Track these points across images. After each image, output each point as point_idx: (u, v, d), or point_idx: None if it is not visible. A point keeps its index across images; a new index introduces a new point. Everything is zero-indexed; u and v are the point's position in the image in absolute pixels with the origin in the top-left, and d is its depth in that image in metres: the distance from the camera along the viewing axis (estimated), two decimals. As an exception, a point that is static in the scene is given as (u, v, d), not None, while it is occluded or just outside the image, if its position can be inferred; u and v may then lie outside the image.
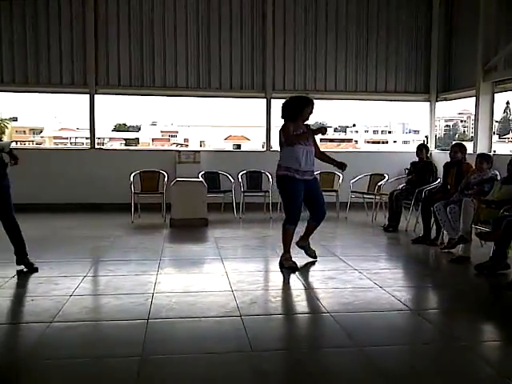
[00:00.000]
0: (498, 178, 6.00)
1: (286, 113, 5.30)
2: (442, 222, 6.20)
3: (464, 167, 6.54)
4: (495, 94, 9.06)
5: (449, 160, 6.80)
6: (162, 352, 3.23)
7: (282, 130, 5.27)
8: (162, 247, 6.33)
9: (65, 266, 5.41)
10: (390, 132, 54.04)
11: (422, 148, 7.74)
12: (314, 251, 5.67)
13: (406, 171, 8.33)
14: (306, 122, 5.36)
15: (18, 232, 5.13)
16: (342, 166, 5.42)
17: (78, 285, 4.64)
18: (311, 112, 5.26)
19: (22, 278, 5.01)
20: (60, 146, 9.02)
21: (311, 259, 5.61)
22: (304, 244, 5.62)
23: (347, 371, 3.04)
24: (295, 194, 5.20)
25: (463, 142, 7.26)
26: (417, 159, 7.80)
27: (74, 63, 9.56)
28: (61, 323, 3.72)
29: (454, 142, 7.08)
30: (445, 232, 6.37)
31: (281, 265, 5.32)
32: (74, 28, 9.51)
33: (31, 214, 5.47)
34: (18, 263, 5.16)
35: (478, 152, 8.49)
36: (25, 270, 5.13)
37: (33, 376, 3.02)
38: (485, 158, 6.17)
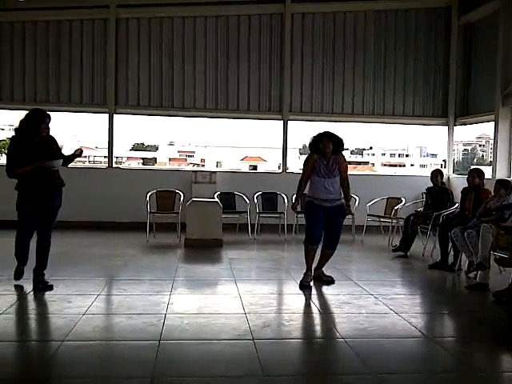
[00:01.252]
0: None
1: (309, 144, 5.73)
2: (460, 247, 6.11)
3: (482, 193, 6.45)
4: (514, 119, 8.99)
5: (466, 185, 6.72)
6: (173, 374, 3.19)
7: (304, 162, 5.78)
8: (176, 267, 6.32)
9: (79, 284, 5.43)
10: (407, 155, 53.75)
11: (437, 174, 7.66)
12: (330, 276, 5.75)
13: (424, 195, 8.23)
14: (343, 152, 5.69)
15: (47, 252, 5.18)
16: (348, 213, 5.79)
17: (91, 303, 4.63)
18: (325, 147, 5.49)
19: (37, 296, 5.02)
20: (78, 165, 9.08)
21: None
22: (317, 275, 5.71)
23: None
24: (311, 214, 5.57)
25: (481, 167, 7.18)
26: (431, 185, 7.72)
27: (95, 83, 9.77)
28: (73, 342, 3.71)
29: (471, 167, 6.99)
30: (463, 257, 6.26)
31: (300, 282, 5.51)
32: (96, 49, 9.73)
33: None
34: (35, 281, 5.15)
35: (496, 177, 8.39)
36: (40, 286, 5.13)
37: (43, 395, 3.00)
38: (503, 184, 6.08)
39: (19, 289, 5.11)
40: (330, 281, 5.67)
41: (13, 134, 5.17)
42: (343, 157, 5.65)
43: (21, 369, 3.37)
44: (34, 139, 4.97)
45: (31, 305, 4.86)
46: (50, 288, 5.10)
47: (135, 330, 3.97)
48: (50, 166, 4.96)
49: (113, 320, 4.38)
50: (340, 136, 5.61)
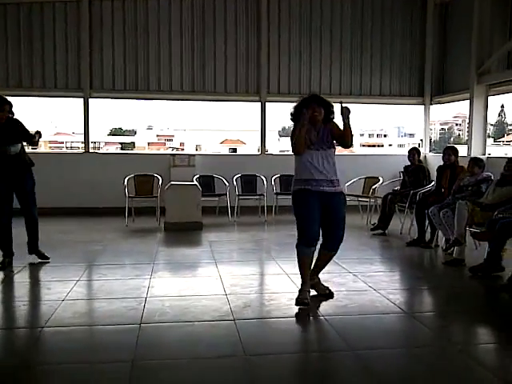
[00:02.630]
0: (492, 178, 6.00)
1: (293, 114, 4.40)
2: (437, 225, 6.21)
3: (458, 170, 6.56)
4: (489, 97, 9.10)
5: (441, 164, 6.82)
6: (154, 357, 3.20)
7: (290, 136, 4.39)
8: (155, 251, 6.30)
9: (58, 270, 5.38)
10: (385, 136, 54.14)
11: (414, 152, 7.73)
12: (328, 288, 4.51)
13: (401, 174, 8.32)
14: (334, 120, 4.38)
15: (36, 227, 5.58)
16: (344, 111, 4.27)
17: (70, 289, 4.60)
18: (316, 113, 4.21)
19: (15, 282, 4.98)
20: (55, 150, 8.90)
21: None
22: (313, 283, 4.44)
23: (342, 375, 3.02)
24: (301, 204, 4.23)
25: (456, 146, 7.27)
26: (409, 163, 7.79)
27: (69, 67, 9.57)
28: (53, 328, 3.68)
29: (445, 147, 7.09)
30: (440, 234, 6.37)
31: (296, 300, 4.24)
32: (69, 33, 9.52)
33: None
34: (30, 252, 5.60)
35: (472, 155, 8.51)
36: (38, 260, 5.59)
37: (25, 380, 2.98)
38: (476, 162, 6.18)
39: (-4, 277, 5.05)
40: (328, 294, 4.43)
41: None
42: (335, 123, 4.34)
43: (1, 356, 3.34)
44: None
45: (10, 292, 4.80)
46: (47, 258, 5.61)
47: (116, 315, 3.96)
48: (7, 151, 5.21)
49: (93, 305, 4.36)
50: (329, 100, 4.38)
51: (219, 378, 2.95)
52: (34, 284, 5.08)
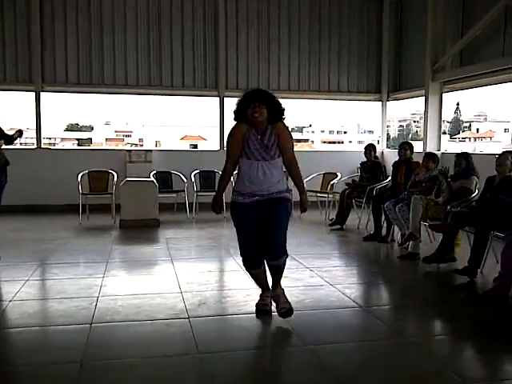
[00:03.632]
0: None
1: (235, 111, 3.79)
2: (392, 219, 6.30)
3: (413, 165, 6.67)
4: (444, 94, 9.28)
5: (397, 160, 6.93)
6: (105, 357, 3.10)
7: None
8: (110, 249, 6.14)
9: (7, 270, 5.17)
10: (345, 132, 54.91)
11: (370, 148, 7.83)
12: (288, 304, 3.81)
13: (358, 170, 8.40)
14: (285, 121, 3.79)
15: None
16: (303, 210, 3.94)
17: (19, 289, 4.42)
18: (256, 113, 3.58)
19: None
20: (6, 146, 8.47)
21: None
22: (273, 294, 3.91)
23: (297, 371, 2.99)
24: (237, 221, 3.76)
25: (413, 142, 7.41)
26: (365, 159, 7.88)
27: (19, 59, 9.20)
28: (0, 329, 3.53)
29: (401, 142, 7.22)
30: (395, 229, 6.46)
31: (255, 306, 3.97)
32: (18, 23, 9.15)
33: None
34: None
35: (427, 151, 8.67)
36: None
37: (-37, 387, 2.84)
38: (431, 157, 6.31)
39: None
40: (285, 312, 3.74)
41: None
42: (284, 125, 3.74)
43: None
44: None
45: (-47, 294, 4.59)
46: None
47: (66, 315, 3.83)
48: None
49: (43, 305, 4.21)
50: (275, 96, 3.73)
51: (171, 377, 2.89)
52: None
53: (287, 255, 3.79)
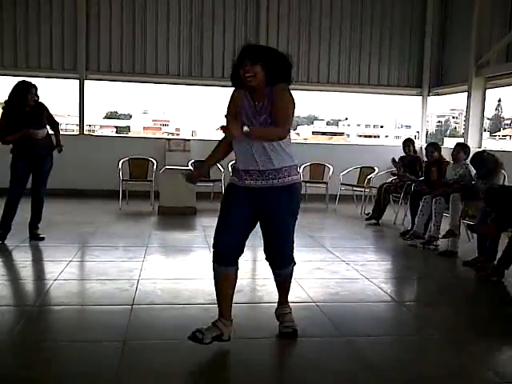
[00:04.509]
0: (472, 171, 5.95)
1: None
2: (420, 213, 6.17)
3: (443, 165, 6.58)
4: (487, 90, 9.08)
5: (430, 160, 6.86)
6: (145, 337, 3.21)
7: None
8: (149, 234, 6.29)
9: (51, 250, 5.38)
10: (382, 126, 54.12)
11: (409, 143, 7.75)
12: (294, 326, 3.34)
13: (394, 163, 8.28)
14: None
15: (40, 208, 5.74)
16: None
17: (63, 269, 4.59)
18: (247, 73, 2.89)
19: (8, 261, 4.97)
20: (51, 132, 8.75)
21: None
22: (280, 312, 3.43)
23: (333, 361, 3.03)
24: (224, 208, 3.13)
25: (451, 138, 7.31)
26: (404, 154, 7.80)
27: (65, 48, 9.46)
28: (46, 307, 3.70)
29: (431, 141, 7.16)
30: (415, 223, 6.32)
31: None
32: (66, 12, 9.39)
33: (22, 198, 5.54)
34: (30, 232, 5.71)
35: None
36: (29, 240, 5.67)
37: (17, 358, 2.99)
38: (462, 148, 6.20)
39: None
40: (291, 333, 3.29)
41: (3, 105, 5.61)
42: (284, 87, 2.95)
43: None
44: (22, 109, 5.41)
45: (2, 270, 4.79)
46: (42, 239, 5.65)
47: (108, 295, 3.96)
48: (34, 134, 5.39)
49: (85, 285, 4.37)
50: (280, 52, 3.10)
51: (207, 359, 2.99)
52: (27, 263, 5.05)
53: (295, 263, 3.30)
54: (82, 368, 2.79)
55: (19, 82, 5.48)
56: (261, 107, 2.94)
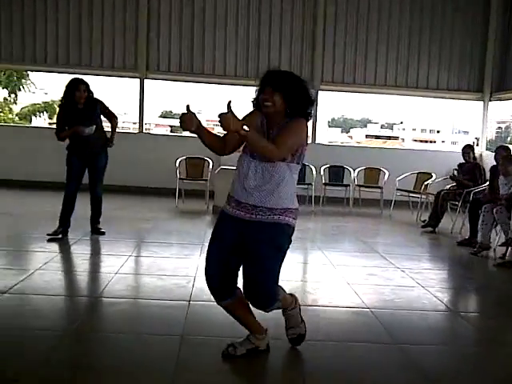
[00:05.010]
0: None
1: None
2: (482, 223, 6.01)
3: None
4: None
5: (495, 164, 6.63)
6: (202, 333, 3.30)
7: None
8: (204, 232, 6.39)
9: (110, 244, 5.58)
10: (438, 131, 52.77)
11: (469, 149, 7.54)
12: (299, 330, 3.14)
13: (455, 172, 8.09)
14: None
15: (98, 205, 5.86)
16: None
17: (123, 263, 4.76)
18: (266, 100, 2.76)
19: (70, 254, 5.19)
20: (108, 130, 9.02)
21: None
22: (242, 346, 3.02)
23: (386, 367, 3.02)
24: (212, 234, 3.03)
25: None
26: (463, 160, 7.61)
27: (126, 48, 9.76)
28: (106, 299, 3.84)
29: (497, 146, 6.91)
30: (492, 235, 6.19)
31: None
32: (128, 13, 9.69)
33: (82, 193, 5.74)
34: (91, 226, 5.87)
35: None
36: (91, 234, 5.85)
37: (80, 346, 3.15)
38: (509, 161, 5.96)
39: (54, 247, 5.27)
40: (295, 339, 3.13)
41: (59, 103, 5.82)
42: (301, 121, 2.80)
43: (56, 321, 3.50)
44: (75, 106, 5.47)
45: (65, 262, 5.02)
46: (103, 233, 5.82)
47: (165, 290, 4.09)
48: (80, 131, 5.40)
49: (144, 280, 4.52)
50: (304, 84, 2.84)
51: (264, 359, 3.03)
52: (88, 256, 5.28)
53: (279, 300, 2.96)
54: (140, 359, 2.90)
55: (70, 80, 5.54)
56: (273, 136, 2.80)
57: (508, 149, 6.69)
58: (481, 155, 10.14)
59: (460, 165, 7.69)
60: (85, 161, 5.64)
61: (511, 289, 4.94)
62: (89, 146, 5.55)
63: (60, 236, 5.52)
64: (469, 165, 7.49)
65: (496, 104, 10.64)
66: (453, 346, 3.45)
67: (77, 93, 5.41)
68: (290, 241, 2.93)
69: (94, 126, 5.49)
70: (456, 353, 3.33)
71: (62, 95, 5.59)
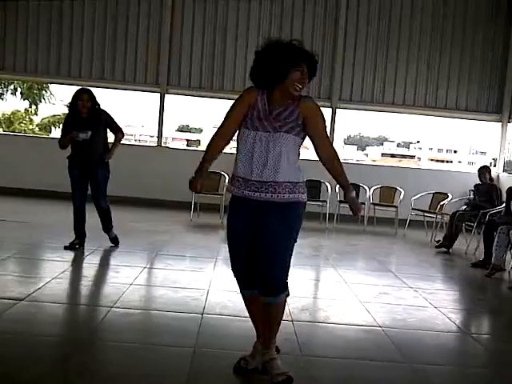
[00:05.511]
0: None
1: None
2: (497, 244, 5.98)
3: None
4: None
5: None
6: (216, 346, 3.34)
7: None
8: (218, 247, 6.46)
9: (126, 256, 5.66)
10: (455, 151, 52.47)
11: (485, 171, 7.53)
12: (286, 374, 2.79)
13: (470, 193, 8.09)
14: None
15: (105, 216, 5.80)
16: (355, 213, 2.86)
17: (138, 275, 4.84)
18: (302, 80, 2.72)
19: (86, 264, 5.28)
20: (127, 142, 9.17)
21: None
22: (264, 358, 2.91)
23: (397, 385, 3.03)
24: (228, 226, 2.98)
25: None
26: (479, 181, 7.60)
27: (148, 63, 9.96)
28: (121, 309, 3.90)
29: None
30: (508, 257, 6.15)
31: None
32: (151, 28, 9.92)
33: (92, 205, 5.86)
34: (104, 231, 5.87)
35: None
36: (109, 244, 5.88)
37: (93, 354, 3.21)
38: None
39: (71, 257, 5.37)
40: (285, 380, 2.76)
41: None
42: (317, 105, 2.81)
43: (71, 329, 3.59)
44: (79, 115, 5.47)
45: (81, 272, 5.11)
46: (116, 241, 5.88)
47: (179, 303, 4.15)
48: (74, 136, 5.38)
49: (158, 292, 4.57)
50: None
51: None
52: (104, 267, 5.38)
53: (288, 293, 2.84)
54: (152, 370, 2.94)
55: (75, 90, 5.57)
56: (278, 114, 2.72)
57: None
58: (498, 176, 10.09)
59: (476, 186, 7.67)
60: (84, 170, 5.58)
61: (525, 312, 4.90)
62: (87, 154, 5.52)
63: (77, 247, 5.60)
64: (485, 186, 7.47)
65: (513, 126, 10.60)
66: (463, 367, 3.44)
67: (79, 102, 5.41)
68: (301, 220, 2.85)
69: (90, 132, 5.40)
70: (466, 374, 3.32)
71: (68, 104, 5.69)
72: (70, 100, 5.59)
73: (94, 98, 5.51)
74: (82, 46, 9.90)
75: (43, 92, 20.74)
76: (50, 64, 9.96)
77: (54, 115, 23.94)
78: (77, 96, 5.45)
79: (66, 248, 5.50)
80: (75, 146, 5.52)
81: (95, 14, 9.87)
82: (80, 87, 5.69)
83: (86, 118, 5.47)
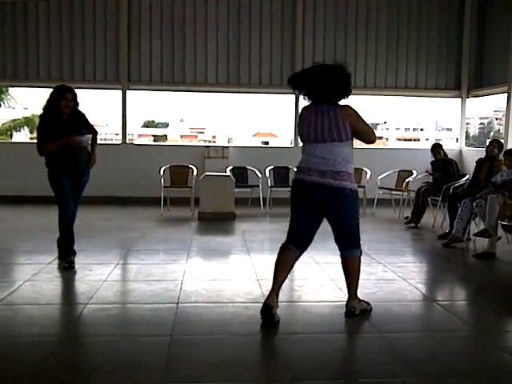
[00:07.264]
0: None
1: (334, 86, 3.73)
2: (458, 217, 6.20)
3: (495, 162, 6.57)
4: (527, 91, 8.97)
5: (482, 156, 6.85)
6: (192, 332, 3.42)
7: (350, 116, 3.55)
8: (190, 239, 6.52)
9: (98, 254, 5.65)
10: (422, 130, 53.34)
11: (437, 147, 7.83)
12: (355, 309, 3.76)
13: (427, 173, 8.34)
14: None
15: (72, 229, 5.20)
16: None
17: (111, 271, 4.86)
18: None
19: (58, 265, 5.26)
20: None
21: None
22: (348, 307, 3.79)
23: (370, 356, 3.15)
24: (292, 201, 3.77)
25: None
26: (434, 159, 7.87)
27: (107, 60, 9.85)
28: (96, 305, 3.93)
29: (491, 139, 7.15)
30: (472, 228, 6.36)
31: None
32: (108, 25, 9.80)
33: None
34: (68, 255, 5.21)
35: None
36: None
37: (73, 349, 3.24)
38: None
39: (41, 259, 5.34)
40: (349, 312, 3.74)
41: (40, 114, 5.10)
42: (350, 108, 3.59)
43: (49, 328, 3.58)
44: (60, 116, 4.92)
45: (54, 273, 5.07)
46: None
47: (154, 295, 4.19)
48: (77, 142, 4.90)
49: (132, 286, 4.61)
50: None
51: (247, 352, 3.16)
52: (76, 266, 5.34)
53: (361, 252, 3.76)
54: (132, 359, 3.01)
55: (56, 87, 4.97)
56: (328, 122, 3.51)
57: (500, 142, 6.94)
58: (460, 151, 10.38)
59: (432, 162, 7.93)
60: (72, 178, 5.04)
61: (488, 278, 5.10)
62: (76, 160, 4.99)
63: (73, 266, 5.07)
64: (441, 162, 7.72)
65: (477, 100, 10.89)
66: (432, 332, 3.59)
67: (63, 102, 4.84)
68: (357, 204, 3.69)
69: (89, 137, 5.09)
70: (434, 339, 3.47)
71: (44, 104, 4.98)
72: (48, 99, 4.94)
73: (76, 97, 5.00)
74: (38, 48, 9.73)
75: (2, 96, 20.32)
76: (6, 67, 9.76)
77: (15, 119, 23.42)
78: (60, 95, 4.86)
79: (65, 267, 5.04)
80: (63, 152, 4.87)
81: (50, 13, 9.71)
82: (60, 84, 5.08)
83: (68, 120, 4.93)
